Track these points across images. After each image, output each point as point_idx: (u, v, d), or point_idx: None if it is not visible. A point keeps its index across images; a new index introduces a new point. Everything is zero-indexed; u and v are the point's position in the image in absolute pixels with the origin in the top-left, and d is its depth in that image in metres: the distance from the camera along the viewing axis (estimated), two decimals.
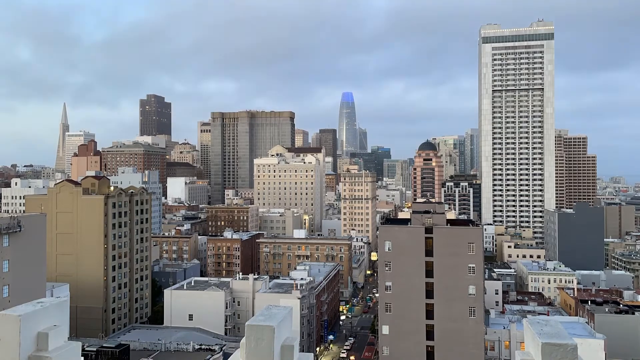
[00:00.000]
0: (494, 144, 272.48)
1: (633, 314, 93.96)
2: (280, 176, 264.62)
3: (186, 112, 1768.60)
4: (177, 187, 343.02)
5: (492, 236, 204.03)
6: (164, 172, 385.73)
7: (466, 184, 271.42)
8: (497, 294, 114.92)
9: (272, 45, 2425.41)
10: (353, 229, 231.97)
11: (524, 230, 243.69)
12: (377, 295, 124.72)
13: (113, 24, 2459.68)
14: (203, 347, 72.81)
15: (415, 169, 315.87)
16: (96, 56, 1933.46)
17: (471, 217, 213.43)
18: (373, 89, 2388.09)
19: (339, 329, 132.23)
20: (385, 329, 78.61)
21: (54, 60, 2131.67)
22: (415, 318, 77.10)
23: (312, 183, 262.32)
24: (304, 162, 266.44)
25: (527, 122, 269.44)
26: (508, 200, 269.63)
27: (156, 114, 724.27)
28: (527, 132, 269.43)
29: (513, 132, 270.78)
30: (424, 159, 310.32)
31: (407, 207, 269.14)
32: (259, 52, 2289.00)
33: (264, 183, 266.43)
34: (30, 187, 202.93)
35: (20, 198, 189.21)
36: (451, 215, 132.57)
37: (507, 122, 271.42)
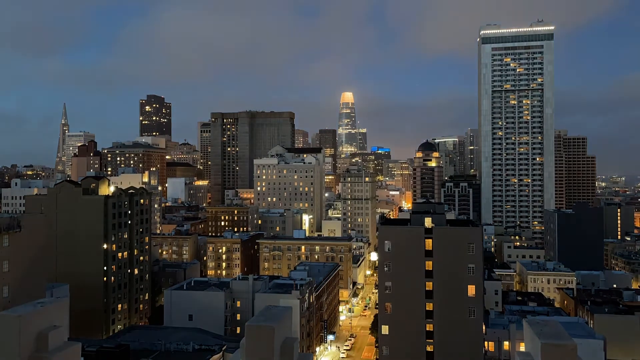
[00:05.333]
0: (494, 144, 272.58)
1: (632, 314, 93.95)
2: (280, 176, 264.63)
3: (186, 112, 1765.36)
4: (177, 187, 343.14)
5: (492, 236, 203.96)
6: (164, 172, 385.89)
7: (466, 184, 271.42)
8: (496, 294, 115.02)
9: None
10: (353, 229, 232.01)
11: (524, 231, 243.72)
12: (377, 294, 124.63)
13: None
14: (203, 347, 72.73)
15: (415, 170, 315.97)
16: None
17: (471, 218, 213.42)
18: (372, 88, 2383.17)
19: (339, 329, 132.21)
20: (385, 329, 78.64)
21: None
22: (415, 318, 77.14)
23: (312, 183, 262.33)
24: (304, 163, 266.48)
25: (527, 122, 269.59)
26: (508, 201, 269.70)
27: (156, 115, 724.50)
28: (527, 133, 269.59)
29: (513, 133, 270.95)
30: (424, 160, 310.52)
31: (407, 207, 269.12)
32: None
33: (264, 183, 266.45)
34: (30, 187, 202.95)
35: (20, 198, 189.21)
36: (451, 215, 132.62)
37: (507, 123, 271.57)
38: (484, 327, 78.21)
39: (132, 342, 73.65)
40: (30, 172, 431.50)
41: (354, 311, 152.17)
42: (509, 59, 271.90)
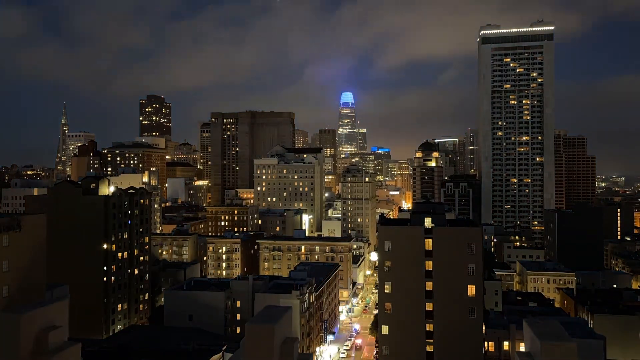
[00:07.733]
0: (494, 144, 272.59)
1: (632, 314, 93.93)
2: (280, 176, 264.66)
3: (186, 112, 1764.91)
4: (176, 187, 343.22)
5: (492, 236, 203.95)
6: (163, 172, 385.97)
7: (466, 184, 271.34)
8: (496, 294, 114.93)
9: None
10: (353, 229, 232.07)
11: (524, 231, 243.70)
12: (377, 294, 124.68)
13: None
14: (203, 347, 72.72)
15: (415, 170, 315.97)
16: None
17: (471, 218, 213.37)
18: (373, 89, 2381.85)
19: (339, 329, 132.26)
20: (385, 329, 78.65)
21: None
22: (414, 318, 77.17)
23: (312, 183, 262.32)
24: (304, 162, 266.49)
25: (527, 122, 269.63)
26: (508, 201, 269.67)
27: (156, 115, 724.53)
28: (527, 133, 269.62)
29: (513, 133, 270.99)
30: (424, 160, 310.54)
31: (407, 207, 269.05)
32: None
33: (263, 183, 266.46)
34: (30, 187, 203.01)
35: (20, 198, 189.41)
36: (451, 215, 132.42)
37: (507, 123, 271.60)
38: (484, 327, 78.22)
39: (132, 342, 73.71)
40: (30, 172, 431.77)
41: (354, 311, 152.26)
42: (509, 59, 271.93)
